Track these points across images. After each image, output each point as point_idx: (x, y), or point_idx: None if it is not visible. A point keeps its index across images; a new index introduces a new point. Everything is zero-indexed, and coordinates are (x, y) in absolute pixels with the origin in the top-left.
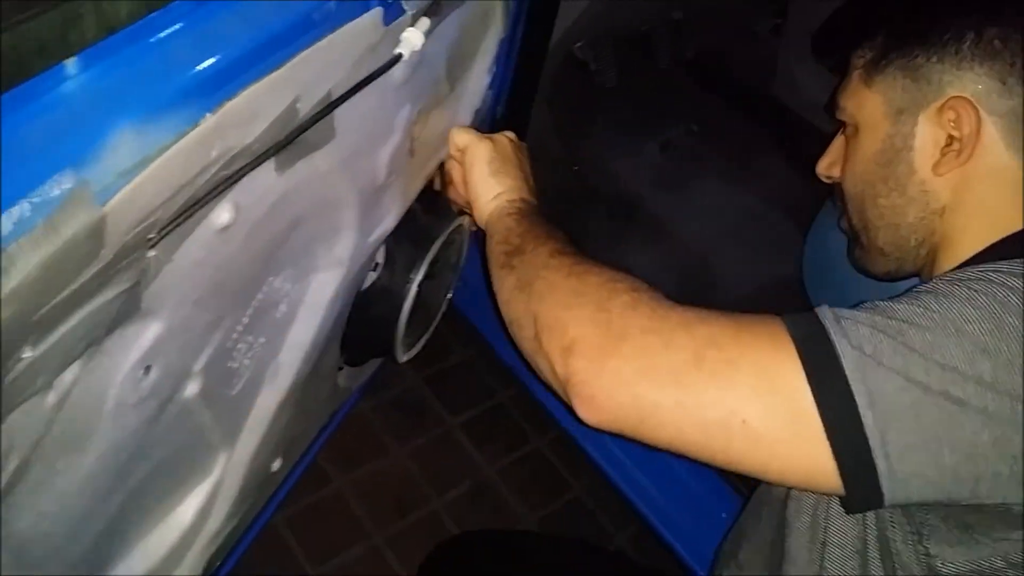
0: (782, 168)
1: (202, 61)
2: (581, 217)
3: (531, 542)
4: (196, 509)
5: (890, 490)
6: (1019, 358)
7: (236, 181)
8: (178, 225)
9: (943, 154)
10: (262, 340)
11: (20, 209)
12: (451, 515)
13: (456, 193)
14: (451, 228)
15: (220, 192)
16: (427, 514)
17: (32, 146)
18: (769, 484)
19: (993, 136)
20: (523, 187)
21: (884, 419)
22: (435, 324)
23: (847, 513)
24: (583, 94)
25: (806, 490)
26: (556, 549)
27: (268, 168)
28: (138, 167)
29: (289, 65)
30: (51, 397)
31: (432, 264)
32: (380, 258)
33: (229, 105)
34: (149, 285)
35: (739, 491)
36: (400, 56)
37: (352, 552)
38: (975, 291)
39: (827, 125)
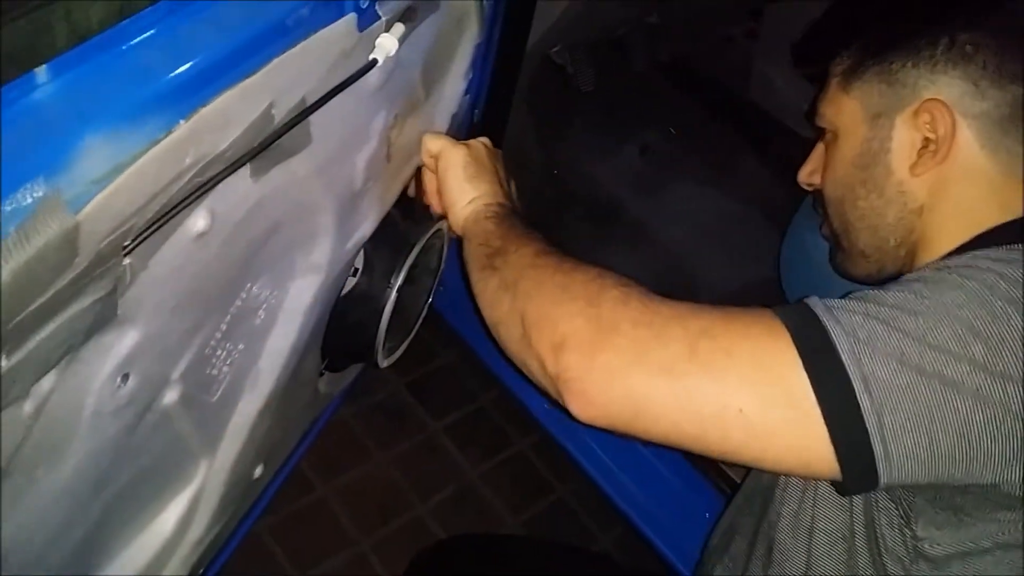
0: (759, 170)
1: (175, 68)
2: (561, 221)
3: (515, 546)
4: (178, 517)
5: (886, 472)
6: (1009, 341)
7: (211, 188)
8: (153, 232)
9: (919, 155)
10: (241, 347)
11: None
12: (435, 520)
13: (430, 201)
14: (430, 233)
15: (195, 199)
16: (411, 519)
17: (3, 155)
18: (761, 472)
19: (967, 137)
20: (499, 191)
21: (880, 403)
22: (416, 329)
23: (841, 495)
24: (561, 98)
25: (800, 476)
26: (540, 552)
27: (243, 174)
28: (111, 175)
29: (263, 71)
30: (28, 406)
31: (411, 269)
32: (359, 263)
33: (203, 112)
34: (125, 293)
35: (721, 490)
36: (375, 62)
37: (337, 559)
38: (964, 276)
39: (803, 127)
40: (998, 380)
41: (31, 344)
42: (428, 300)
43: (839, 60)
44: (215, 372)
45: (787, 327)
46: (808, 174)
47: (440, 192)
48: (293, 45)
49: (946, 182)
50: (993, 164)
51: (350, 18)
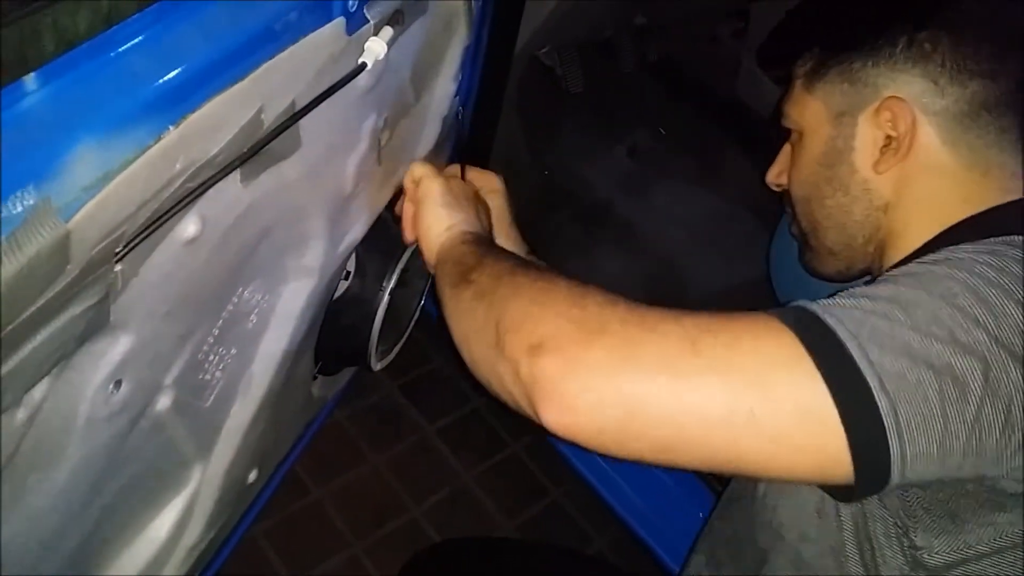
0: (748, 169)
1: (164, 74)
2: (551, 221)
3: (509, 549)
4: (172, 522)
5: (899, 472)
6: (1007, 327)
7: (202, 193)
8: (144, 239)
9: (882, 153)
10: (234, 351)
11: None
12: (430, 522)
13: (404, 228)
14: None
15: (185, 205)
16: (406, 522)
17: None
18: (761, 480)
19: (929, 133)
20: (476, 223)
21: (895, 400)
22: (408, 332)
23: (844, 501)
24: (550, 99)
25: (807, 482)
26: (535, 555)
27: (234, 179)
28: (101, 182)
29: (252, 76)
30: (21, 414)
31: (403, 272)
32: (351, 267)
33: (192, 118)
34: (117, 299)
35: (716, 491)
36: (364, 65)
37: (332, 562)
38: (952, 267)
39: None
40: (1005, 367)
41: (23, 352)
42: (420, 303)
43: (802, 61)
44: (208, 377)
45: (789, 327)
46: (776, 175)
47: (416, 219)
48: (282, 50)
49: (910, 178)
50: (955, 159)
51: (338, 22)
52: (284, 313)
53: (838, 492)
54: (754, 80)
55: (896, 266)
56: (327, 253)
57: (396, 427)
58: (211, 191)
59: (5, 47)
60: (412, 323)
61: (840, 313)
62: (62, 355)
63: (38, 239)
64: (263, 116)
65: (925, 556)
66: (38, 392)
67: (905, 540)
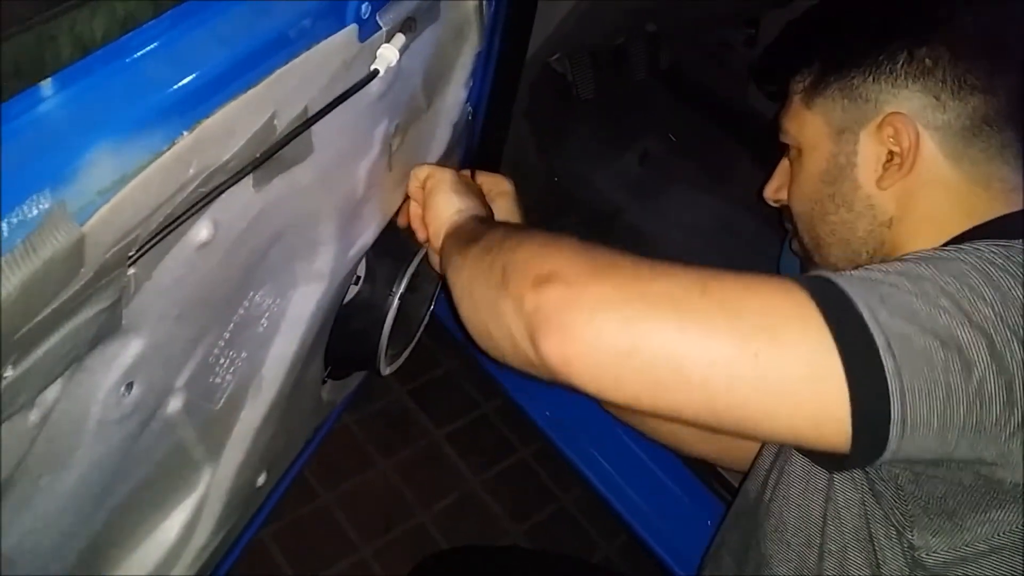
0: (759, 177)
1: (178, 80)
2: (561, 228)
3: (516, 556)
4: (181, 525)
5: (897, 437)
6: (1013, 310)
7: (214, 198)
8: (157, 243)
9: (885, 168)
10: (244, 355)
11: None
12: (437, 527)
13: (415, 226)
14: None
15: (198, 209)
16: (413, 527)
17: (9, 167)
18: (748, 491)
19: (931, 149)
20: (484, 209)
21: (900, 363)
22: (418, 337)
23: (839, 470)
24: (561, 106)
25: (801, 443)
26: (541, 563)
27: (246, 185)
28: (116, 186)
29: (265, 82)
30: (33, 415)
31: (413, 277)
32: (361, 272)
33: (206, 123)
34: (129, 302)
35: (723, 498)
36: (376, 72)
37: (339, 566)
38: (961, 252)
39: None
40: (1009, 345)
41: (37, 354)
42: (430, 308)
43: (799, 77)
44: (218, 380)
45: (801, 286)
46: (774, 190)
47: (426, 209)
48: (295, 56)
49: (913, 194)
50: (957, 174)
51: (351, 29)
52: (294, 317)
53: (830, 461)
54: None
55: None
56: (338, 258)
57: (404, 432)
58: (224, 196)
59: (22, 52)
60: (422, 328)
61: (851, 279)
62: (75, 357)
63: (53, 242)
64: (276, 122)
65: (924, 556)
66: (51, 394)
67: (904, 540)
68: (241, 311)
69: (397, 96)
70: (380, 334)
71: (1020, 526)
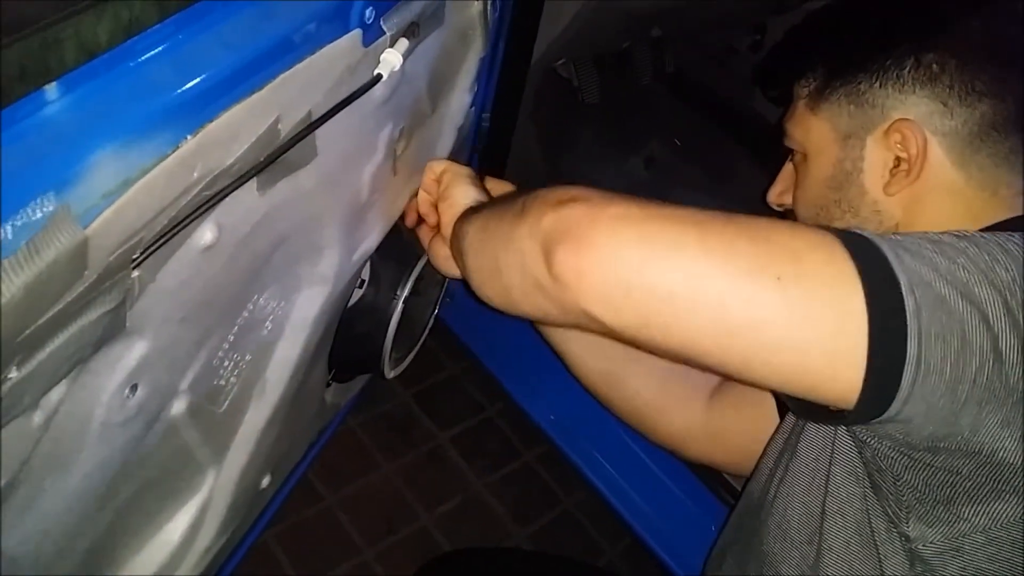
0: (764, 181)
1: (183, 84)
2: None
3: (520, 559)
4: (185, 526)
5: (909, 382)
6: (1020, 289)
7: (218, 201)
8: (161, 246)
9: (892, 175)
10: (248, 358)
11: (2, 232)
12: (441, 530)
13: (425, 212)
14: None
15: (202, 212)
16: (417, 529)
17: (14, 170)
18: (751, 493)
19: (939, 155)
20: None
21: (920, 304)
22: (422, 340)
23: (844, 424)
24: (566, 111)
25: (809, 383)
26: (545, 567)
27: (250, 188)
28: (120, 189)
29: (270, 86)
30: (37, 417)
31: (418, 280)
32: (366, 275)
33: (210, 127)
34: (134, 305)
35: (726, 502)
36: (380, 77)
37: (342, 568)
38: (968, 237)
39: None
40: (1022, 308)
41: (41, 356)
42: (434, 311)
43: (804, 81)
44: (222, 383)
45: (827, 231)
46: (778, 195)
47: (441, 200)
48: (299, 61)
49: (920, 199)
50: (965, 179)
51: (355, 34)
52: (299, 320)
53: (831, 415)
54: None
55: None
56: (342, 261)
57: (408, 435)
58: (228, 199)
59: (28, 56)
60: (426, 331)
61: (874, 234)
62: (79, 359)
63: (57, 245)
64: (280, 126)
65: (920, 547)
66: (55, 396)
67: (900, 531)
68: (245, 314)
69: (401, 101)
70: (384, 337)
71: (1020, 518)
